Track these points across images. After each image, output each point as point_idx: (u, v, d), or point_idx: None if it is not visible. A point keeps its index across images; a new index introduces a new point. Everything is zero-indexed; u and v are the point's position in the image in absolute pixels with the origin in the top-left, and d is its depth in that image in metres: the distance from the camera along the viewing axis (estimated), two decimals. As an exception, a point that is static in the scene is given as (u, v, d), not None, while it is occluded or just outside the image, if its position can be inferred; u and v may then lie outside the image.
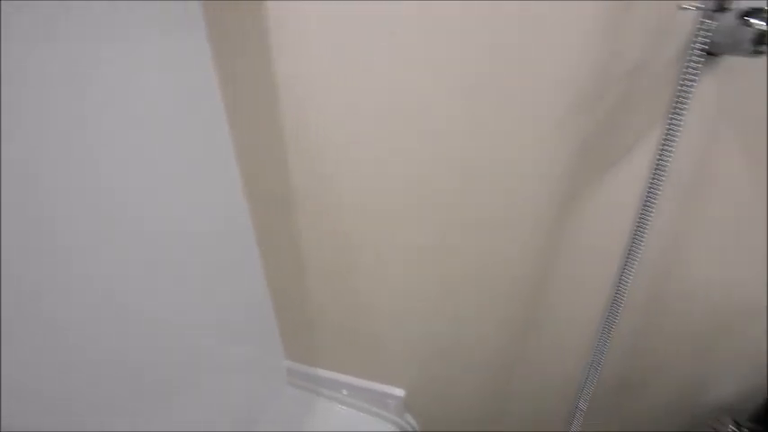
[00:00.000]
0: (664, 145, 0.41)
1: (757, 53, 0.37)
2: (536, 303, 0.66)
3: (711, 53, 0.40)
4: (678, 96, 0.39)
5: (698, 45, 0.37)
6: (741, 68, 0.43)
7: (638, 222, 0.45)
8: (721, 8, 0.37)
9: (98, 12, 0.43)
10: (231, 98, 0.62)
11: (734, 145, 0.47)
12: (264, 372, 0.93)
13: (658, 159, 0.42)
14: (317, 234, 0.72)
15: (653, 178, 0.43)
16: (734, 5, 0.37)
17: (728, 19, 0.37)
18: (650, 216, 0.44)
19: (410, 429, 0.94)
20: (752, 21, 0.36)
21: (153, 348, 0.58)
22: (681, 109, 0.40)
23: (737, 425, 0.59)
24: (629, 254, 0.48)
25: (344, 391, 0.93)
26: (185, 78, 0.56)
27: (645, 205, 0.44)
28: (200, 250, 0.64)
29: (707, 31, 0.37)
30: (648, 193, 0.44)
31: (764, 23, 0.35)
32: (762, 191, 0.49)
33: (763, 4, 0.36)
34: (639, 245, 0.46)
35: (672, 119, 0.40)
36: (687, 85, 0.39)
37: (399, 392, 0.87)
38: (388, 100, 0.55)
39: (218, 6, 0.55)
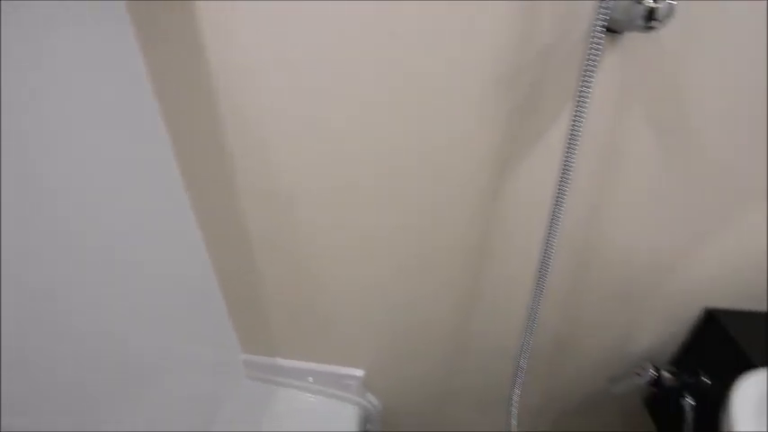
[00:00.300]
0: (575, 120, 0.44)
1: (649, 28, 0.40)
2: (479, 274, 0.70)
3: (612, 30, 0.44)
4: (585, 73, 0.42)
5: (599, 23, 0.40)
6: (642, 44, 0.47)
7: (558, 193, 0.49)
8: (619, -13, 0.40)
9: (15, 10, 0.39)
10: (163, 90, 0.59)
11: (641, 116, 0.52)
12: (221, 367, 0.91)
13: (570, 135, 0.45)
14: (266, 224, 0.71)
15: (567, 153, 0.46)
16: (630, -15, 0.40)
17: (625, -3, 0.40)
18: (567, 187, 0.48)
19: (372, 408, 0.97)
20: (642, -2, 0.39)
21: (99, 354, 0.55)
22: (587, 84, 0.43)
23: (656, 368, 0.66)
24: (551, 223, 0.51)
25: (310, 378, 0.93)
26: (113, 74, 0.53)
27: (562, 176, 0.48)
28: (143, 250, 0.62)
29: (606, 9, 0.40)
30: (564, 164, 0.47)
31: (652, 0, 0.39)
32: (669, 160, 0.54)
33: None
34: (560, 215, 0.50)
35: (580, 94, 0.43)
36: (592, 62, 0.42)
37: (359, 373, 0.89)
38: (325, 86, 0.54)
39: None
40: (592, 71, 0.42)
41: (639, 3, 0.39)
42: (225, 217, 0.71)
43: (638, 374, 0.67)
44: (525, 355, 0.64)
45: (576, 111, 0.44)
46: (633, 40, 0.46)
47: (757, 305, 0.65)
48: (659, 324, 0.70)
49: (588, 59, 0.42)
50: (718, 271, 0.62)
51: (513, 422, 0.73)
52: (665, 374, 0.65)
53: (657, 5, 0.39)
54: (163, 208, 0.66)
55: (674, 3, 0.39)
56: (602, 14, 0.40)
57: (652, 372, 0.65)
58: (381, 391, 0.95)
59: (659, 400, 0.77)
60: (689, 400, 0.65)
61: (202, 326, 0.82)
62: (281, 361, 0.92)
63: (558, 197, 0.49)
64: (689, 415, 0.65)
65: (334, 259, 0.74)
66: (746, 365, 0.54)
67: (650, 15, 0.39)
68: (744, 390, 0.50)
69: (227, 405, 0.91)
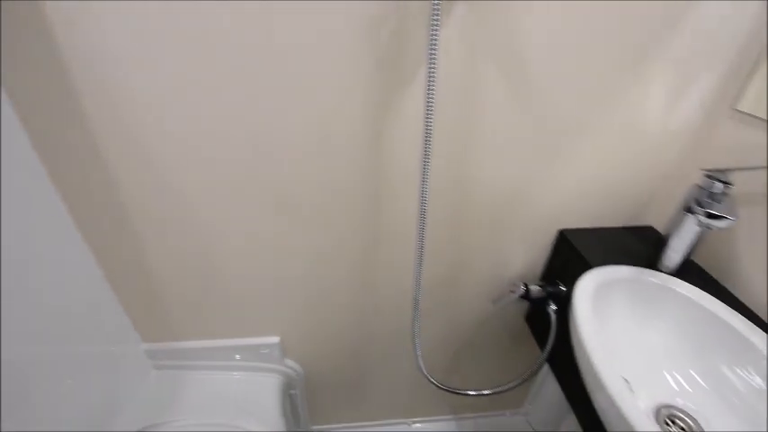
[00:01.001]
0: (429, 66, 0.50)
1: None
2: (370, 225, 0.75)
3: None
4: (432, 24, 0.47)
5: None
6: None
7: (425, 136, 0.54)
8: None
9: None
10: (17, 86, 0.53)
11: (489, 64, 0.59)
12: (121, 362, 0.84)
13: (428, 86, 0.51)
14: (154, 212, 0.67)
15: (427, 100, 0.52)
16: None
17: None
18: (431, 130, 0.54)
19: (293, 373, 0.99)
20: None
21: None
22: (435, 35, 0.48)
23: (525, 284, 0.79)
24: (423, 168, 0.57)
25: (226, 355, 0.91)
26: None
27: (426, 120, 0.53)
28: (23, 254, 0.57)
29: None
30: (426, 108, 0.52)
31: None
32: (517, 104, 0.63)
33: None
34: (429, 154, 0.56)
35: (431, 45, 0.48)
36: (436, 15, 0.46)
37: (274, 340, 0.90)
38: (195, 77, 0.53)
39: None
40: (437, 22, 0.47)
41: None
42: (104, 211, 0.67)
43: (513, 291, 0.79)
44: (419, 288, 0.72)
45: (429, 59, 0.49)
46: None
47: (596, 223, 0.80)
48: (526, 247, 0.82)
49: (434, 12, 0.46)
50: (566, 197, 0.75)
51: (419, 353, 0.82)
52: (533, 288, 0.78)
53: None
54: (36, 209, 0.61)
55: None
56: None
57: (522, 287, 0.78)
58: (300, 354, 0.97)
59: (533, 313, 0.93)
60: (552, 306, 0.79)
61: (94, 323, 0.75)
62: (188, 343, 0.88)
63: (425, 140, 0.55)
64: (553, 318, 0.79)
65: (229, 232, 0.72)
66: (587, 269, 0.68)
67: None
68: (582, 285, 0.62)
69: (134, 398, 0.85)
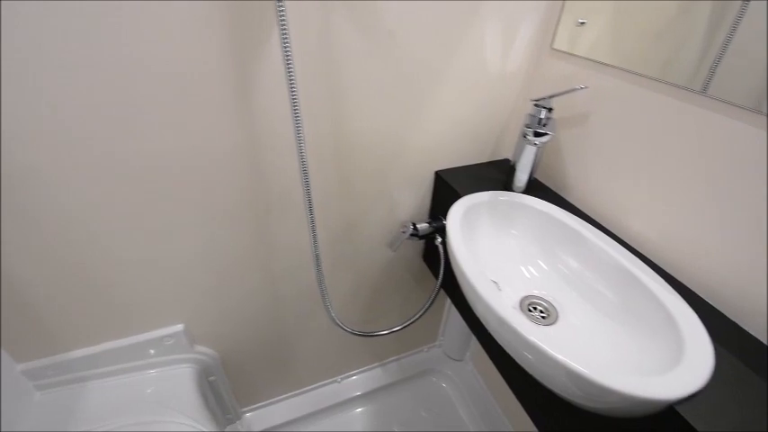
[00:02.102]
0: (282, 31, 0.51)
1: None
2: (258, 195, 0.75)
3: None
4: None
5: None
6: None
7: (291, 94, 0.56)
8: None
9: None
10: None
11: (346, 19, 0.62)
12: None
13: (283, 43, 0.52)
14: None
15: (286, 63, 0.53)
16: None
17: None
18: (296, 89, 0.55)
19: (207, 359, 0.97)
20: None
21: None
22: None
23: (413, 224, 0.87)
24: (295, 122, 0.59)
25: (146, 353, 0.85)
26: None
27: (289, 81, 0.55)
28: None
29: None
30: (287, 71, 0.54)
31: None
32: (379, 56, 0.67)
33: None
34: (298, 112, 0.57)
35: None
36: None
37: (177, 328, 0.86)
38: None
39: None
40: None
41: None
42: None
43: (403, 232, 0.87)
44: (316, 245, 0.75)
45: (280, 17, 0.50)
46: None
47: (465, 162, 0.90)
48: (412, 190, 0.90)
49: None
50: (436, 140, 0.84)
51: (330, 306, 0.86)
52: (420, 225, 0.87)
53: None
54: None
55: None
56: None
57: (411, 226, 0.86)
58: (210, 338, 0.95)
59: (428, 251, 1.03)
60: (438, 239, 0.89)
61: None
62: (76, 353, 0.80)
63: (291, 98, 0.56)
64: (440, 249, 0.89)
65: (108, 219, 0.66)
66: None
67: None
68: (452, 211, 0.71)
69: (17, 427, 0.76)
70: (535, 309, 0.69)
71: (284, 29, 0.52)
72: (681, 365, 0.46)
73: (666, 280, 0.58)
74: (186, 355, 0.91)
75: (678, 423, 0.44)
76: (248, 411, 1.20)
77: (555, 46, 0.77)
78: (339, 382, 1.31)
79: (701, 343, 0.49)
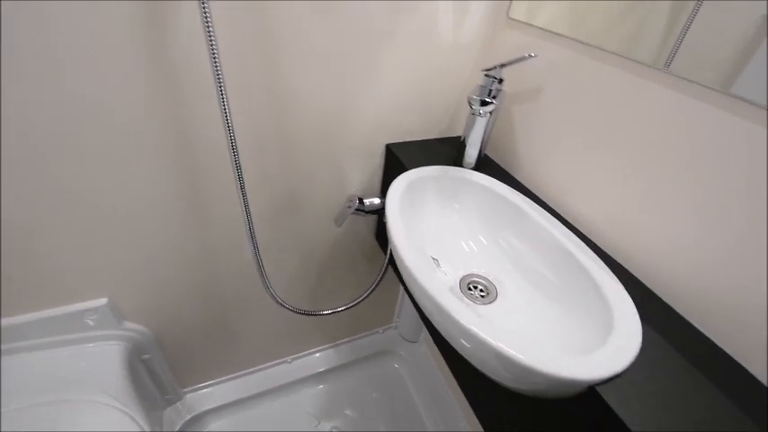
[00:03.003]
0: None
1: None
2: (185, 166, 0.69)
3: None
4: None
5: None
6: None
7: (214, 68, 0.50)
8: None
9: None
10: None
11: None
12: None
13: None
14: None
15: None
16: None
17: None
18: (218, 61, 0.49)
19: (139, 336, 0.91)
20: None
21: None
22: None
23: (360, 198, 0.83)
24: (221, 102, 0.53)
25: (63, 329, 0.78)
26: None
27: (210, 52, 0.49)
28: None
29: None
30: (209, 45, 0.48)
31: None
32: (319, 22, 0.61)
33: None
34: (220, 73, 0.51)
35: None
36: None
37: (100, 302, 0.79)
38: None
39: None
40: None
41: None
42: None
43: (349, 207, 0.82)
44: (250, 218, 0.69)
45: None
46: None
47: (417, 137, 0.86)
48: (361, 164, 0.85)
49: None
50: (386, 111, 0.79)
51: (272, 290, 0.81)
52: (367, 201, 0.83)
53: None
54: None
55: None
56: None
57: (357, 201, 0.81)
58: (143, 314, 0.88)
59: (379, 229, 0.99)
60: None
61: None
62: (-20, 327, 0.73)
63: (212, 57, 0.50)
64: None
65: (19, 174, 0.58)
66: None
67: None
68: (393, 185, 0.68)
69: None
70: (475, 288, 0.66)
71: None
72: (606, 346, 0.45)
73: (607, 262, 0.56)
74: (113, 331, 0.85)
75: (602, 403, 0.42)
76: (190, 392, 1.15)
77: (512, 15, 0.72)
78: (289, 363, 1.28)
79: (630, 325, 0.47)
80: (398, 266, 0.59)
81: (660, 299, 0.54)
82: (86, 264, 0.74)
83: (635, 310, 0.49)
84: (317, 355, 1.32)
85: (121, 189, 0.68)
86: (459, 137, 0.88)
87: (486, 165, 0.77)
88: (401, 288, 1.28)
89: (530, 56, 0.61)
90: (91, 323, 0.80)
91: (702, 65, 0.47)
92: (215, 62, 0.52)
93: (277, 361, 1.26)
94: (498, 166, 0.79)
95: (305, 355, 1.30)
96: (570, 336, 0.53)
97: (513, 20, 0.72)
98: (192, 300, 0.92)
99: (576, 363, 0.42)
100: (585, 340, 0.49)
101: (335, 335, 1.32)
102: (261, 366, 1.23)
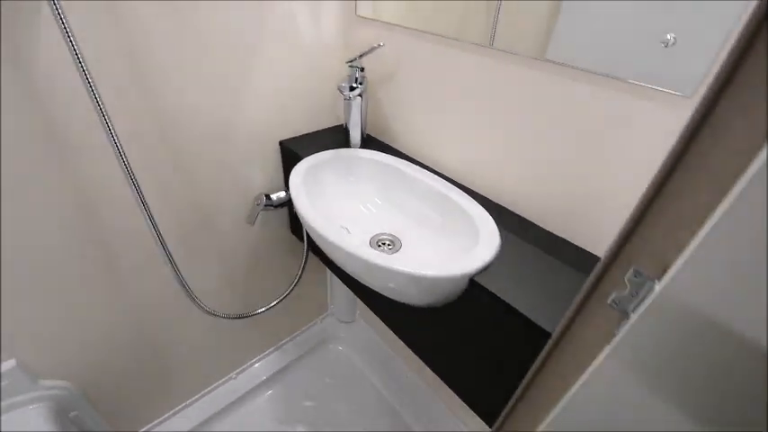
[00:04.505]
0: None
1: None
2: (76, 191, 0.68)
3: None
4: None
5: None
6: None
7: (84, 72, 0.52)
8: None
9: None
10: None
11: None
12: None
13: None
14: None
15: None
16: None
17: None
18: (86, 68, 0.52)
19: (61, 392, 0.85)
20: None
21: None
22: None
23: (267, 195, 0.89)
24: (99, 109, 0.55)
25: None
26: None
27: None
28: None
29: None
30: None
31: None
32: (192, 45, 0.66)
33: None
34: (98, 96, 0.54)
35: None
36: None
37: (9, 364, 0.74)
38: None
39: None
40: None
41: None
42: None
43: (258, 204, 0.88)
44: (162, 240, 0.72)
45: None
46: None
47: (306, 131, 0.96)
48: (259, 162, 0.92)
49: None
50: (272, 110, 0.86)
51: (199, 301, 0.84)
52: (274, 196, 0.90)
53: None
54: None
55: None
56: None
57: (264, 197, 0.88)
58: (59, 368, 0.83)
59: (293, 222, 1.07)
60: (296, 207, 0.93)
61: None
62: None
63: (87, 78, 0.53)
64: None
65: None
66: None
67: None
68: (294, 171, 0.77)
69: None
70: (384, 244, 0.78)
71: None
72: (475, 248, 0.60)
73: (468, 193, 0.73)
74: (30, 393, 0.79)
75: (485, 291, 0.56)
76: (135, 439, 1.09)
77: (359, 13, 0.86)
78: (235, 378, 1.28)
79: (490, 232, 0.64)
80: (313, 237, 0.69)
81: (510, 210, 0.72)
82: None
83: (492, 220, 0.66)
84: (262, 362, 1.33)
85: (11, 238, 0.65)
86: (342, 124, 1.00)
87: (370, 142, 0.91)
88: (328, 273, 1.37)
89: (379, 45, 0.74)
90: (5, 388, 0.74)
91: (517, 39, 0.60)
92: (101, 110, 0.54)
93: (222, 380, 1.25)
94: (379, 141, 0.93)
95: (249, 366, 1.31)
96: (454, 253, 0.68)
97: (362, 17, 0.85)
98: (115, 341, 0.89)
99: (454, 265, 0.57)
100: (463, 251, 0.65)
101: (277, 336, 1.35)
102: (206, 390, 1.22)
